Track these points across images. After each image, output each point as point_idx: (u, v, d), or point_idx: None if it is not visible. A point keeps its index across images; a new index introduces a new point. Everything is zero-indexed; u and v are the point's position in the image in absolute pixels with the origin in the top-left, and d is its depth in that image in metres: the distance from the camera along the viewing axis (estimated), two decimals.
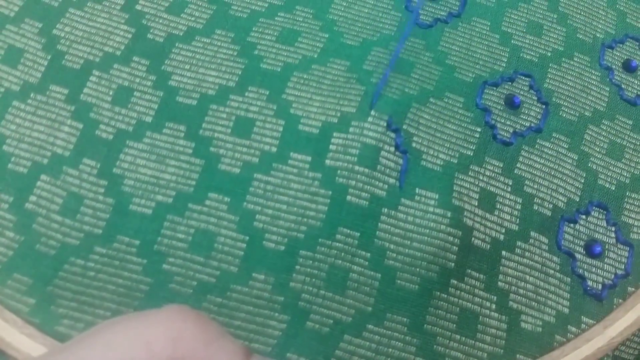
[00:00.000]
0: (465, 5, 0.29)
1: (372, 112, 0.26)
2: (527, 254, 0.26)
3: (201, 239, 0.24)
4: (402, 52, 0.28)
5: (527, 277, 0.25)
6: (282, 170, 0.25)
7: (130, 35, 0.27)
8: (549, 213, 0.26)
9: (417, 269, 0.25)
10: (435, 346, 0.24)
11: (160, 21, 0.28)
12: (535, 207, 0.26)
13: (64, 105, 0.26)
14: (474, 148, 0.27)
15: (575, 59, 0.29)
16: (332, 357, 0.23)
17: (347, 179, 0.25)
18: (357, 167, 0.25)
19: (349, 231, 0.25)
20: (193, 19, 0.28)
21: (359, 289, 0.24)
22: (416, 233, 0.25)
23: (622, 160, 0.28)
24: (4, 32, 0.27)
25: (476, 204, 0.26)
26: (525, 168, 0.27)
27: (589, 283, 0.26)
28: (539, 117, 0.28)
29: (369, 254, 0.25)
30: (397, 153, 0.26)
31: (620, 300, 0.26)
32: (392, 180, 0.25)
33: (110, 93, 0.26)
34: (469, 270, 0.25)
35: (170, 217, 0.25)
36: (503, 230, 0.26)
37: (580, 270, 0.26)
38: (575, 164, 0.27)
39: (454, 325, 0.25)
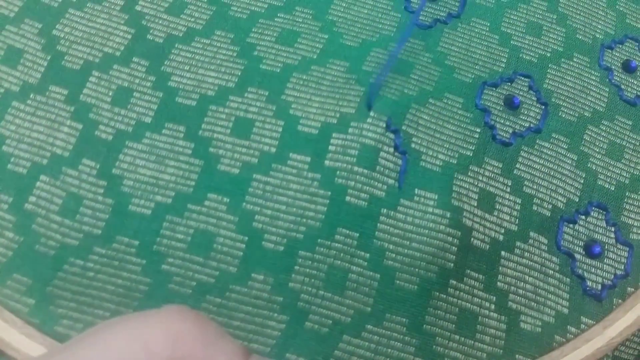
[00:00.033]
0: (465, 6, 0.29)
1: (371, 113, 0.26)
2: (526, 254, 0.26)
3: (200, 240, 0.24)
4: (402, 53, 0.28)
5: (527, 277, 0.25)
6: (281, 170, 0.25)
7: (129, 36, 0.27)
8: (548, 213, 0.26)
9: (416, 269, 0.25)
10: (434, 346, 0.24)
11: (160, 22, 0.28)
12: (535, 208, 0.26)
13: (63, 105, 0.26)
14: (473, 148, 0.27)
15: (575, 60, 0.29)
16: (331, 358, 0.23)
17: (346, 179, 0.25)
18: (356, 168, 0.25)
19: (348, 231, 0.25)
20: (193, 19, 0.28)
21: (358, 289, 0.24)
22: (415, 233, 0.25)
23: (622, 161, 0.28)
24: (3, 32, 0.27)
25: (475, 204, 0.26)
26: (524, 168, 0.27)
27: (589, 283, 0.26)
28: (538, 117, 0.28)
29: (368, 254, 0.25)
30: (396, 154, 0.26)
31: (620, 301, 0.26)
32: (391, 181, 0.25)
33: (110, 94, 0.26)
34: (468, 271, 0.25)
35: (169, 218, 0.25)
36: (502, 231, 0.26)
37: (580, 271, 0.26)
38: (574, 164, 0.27)
39: (453, 325, 0.25)
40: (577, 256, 0.26)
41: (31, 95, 0.26)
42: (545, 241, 0.26)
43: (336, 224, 0.25)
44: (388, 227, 0.25)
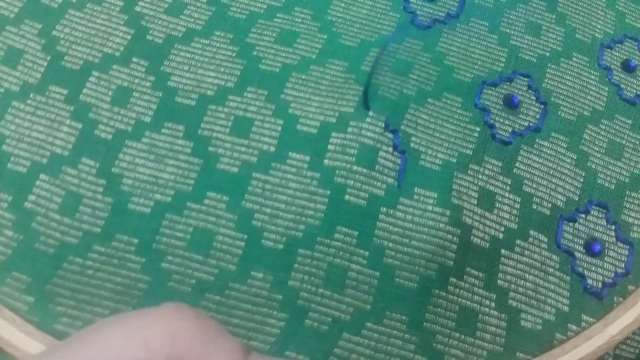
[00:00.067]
0: (464, 6, 0.30)
1: (370, 113, 0.26)
2: (526, 252, 0.26)
3: (200, 238, 0.24)
4: (401, 53, 0.28)
5: (527, 275, 0.25)
6: (280, 169, 0.25)
7: (129, 36, 0.27)
8: (548, 212, 0.26)
9: (416, 268, 0.25)
10: (434, 344, 0.24)
11: (160, 22, 0.28)
12: (534, 206, 0.26)
13: (63, 105, 0.26)
14: (473, 147, 0.27)
15: (574, 59, 0.29)
16: (330, 355, 0.23)
17: (346, 178, 0.25)
18: (355, 167, 0.25)
19: (347, 230, 0.25)
20: (192, 20, 0.28)
21: (357, 287, 0.24)
22: (415, 231, 0.25)
23: (622, 160, 0.28)
24: (3, 33, 0.27)
25: (475, 202, 0.26)
26: (524, 167, 0.27)
27: (589, 281, 0.26)
28: (537, 116, 0.28)
29: (367, 253, 0.25)
30: (395, 153, 0.26)
31: (621, 299, 0.26)
32: (390, 180, 0.25)
33: (110, 93, 0.26)
34: (468, 269, 0.25)
35: (169, 216, 0.25)
36: (502, 229, 0.26)
37: (580, 269, 0.26)
38: (574, 163, 0.27)
39: (454, 323, 0.24)
40: (577, 254, 0.26)
41: (31, 95, 0.26)
42: (545, 239, 0.26)
43: (335, 223, 0.25)
44: (387, 226, 0.25)
